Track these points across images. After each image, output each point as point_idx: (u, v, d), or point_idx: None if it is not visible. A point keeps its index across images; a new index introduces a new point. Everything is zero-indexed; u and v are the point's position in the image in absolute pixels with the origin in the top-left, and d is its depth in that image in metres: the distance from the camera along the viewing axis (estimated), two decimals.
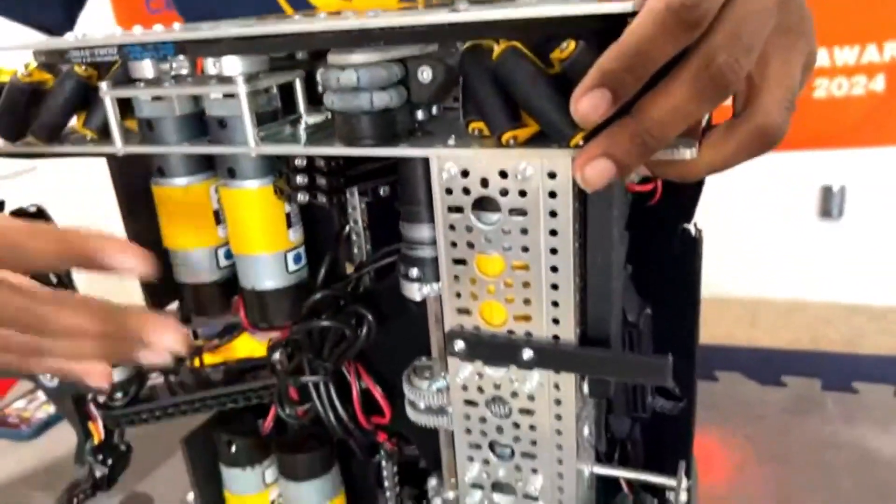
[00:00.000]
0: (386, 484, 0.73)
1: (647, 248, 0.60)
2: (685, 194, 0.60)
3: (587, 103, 0.36)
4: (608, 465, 0.59)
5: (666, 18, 0.33)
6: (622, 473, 0.58)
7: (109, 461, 0.76)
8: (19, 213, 0.68)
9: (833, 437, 0.97)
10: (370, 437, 0.67)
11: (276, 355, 0.67)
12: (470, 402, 0.54)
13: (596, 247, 0.48)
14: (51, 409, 1.24)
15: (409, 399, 0.59)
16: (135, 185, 0.59)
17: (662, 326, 0.62)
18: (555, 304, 0.48)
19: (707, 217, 1.25)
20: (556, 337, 0.49)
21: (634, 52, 0.34)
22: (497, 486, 0.56)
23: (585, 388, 0.52)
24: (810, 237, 1.22)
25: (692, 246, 0.63)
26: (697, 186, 0.59)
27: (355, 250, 0.63)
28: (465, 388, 0.53)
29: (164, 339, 0.42)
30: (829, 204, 1.16)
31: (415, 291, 0.53)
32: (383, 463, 0.72)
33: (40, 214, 0.69)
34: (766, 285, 1.27)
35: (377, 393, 0.64)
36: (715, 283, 1.39)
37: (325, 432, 0.66)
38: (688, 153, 0.41)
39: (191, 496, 0.80)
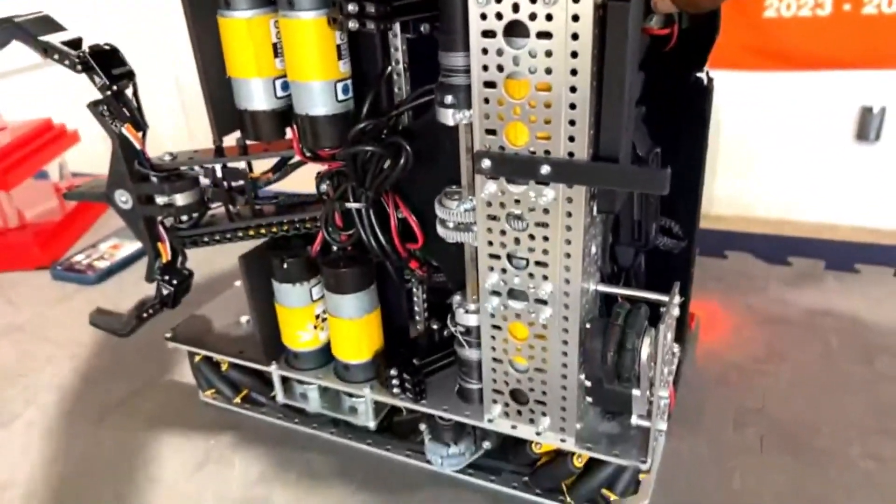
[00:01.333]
0: (416, 306, 0.83)
1: (660, 93, 0.66)
2: (698, 43, 0.65)
3: None
4: (611, 285, 0.67)
5: None
6: (622, 291, 0.66)
7: (174, 282, 0.86)
8: (96, 50, 0.76)
9: (828, 305, 1.04)
10: (404, 263, 0.76)
11: (324, 186, 0.76)
12: (492, 217, 0.62)
13: (611, 76, 0.54)
14: (111, 259, 1.37)
15: (440, 219, 0.67)
16: (204, 17, 0.66)
17: (671, 171, 0.69)
18: (571, 122, 0.55)
19: (739, 135, 1.27)
20: (571, 154, 0.56)
21: None
22: (512, 294, 0.65)
23: (595, 209, 0.60)
24: (845, 160, 1.24)
25: (703, 93, 0.69)
26: (710, 35, 0.64)
27: (396, 90, 0.70)
28: (489, 204, 0.61)
29: None
30: (868, 126, 1.17)
31: (449, 117, 0.61)
32: (415, 289, 0.82)
33: (114, 51, 0.77)
34: (795, 207, 1.30)
35: (412, 221, 0.73)
36: (744, 203, 1.43)
37: (364, 256, 0.76)
38: None
39: (244, 318, 0.92)
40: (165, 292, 0.87)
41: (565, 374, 0.66)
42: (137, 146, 0.77)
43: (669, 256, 0.76)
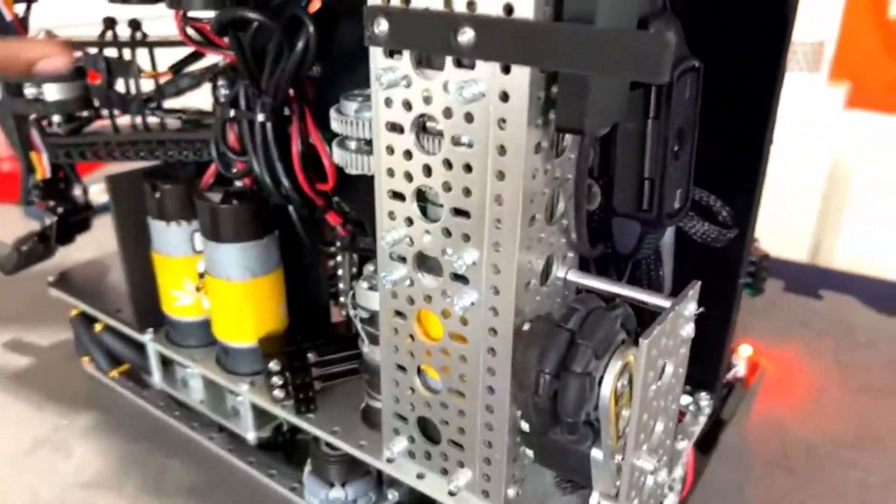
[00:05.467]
0: (341, 283, 0.59)
1: None
2: None
3: None
4: (586, 274, 0.41)
5: None
6: (599, 284, 0.40)
7: (59, 209, 0.68)
8: None
9: None
10: (315, 212, 0.53)
11: (221, 91, 0.55)
12: (395, 127, 0.38)
13: None
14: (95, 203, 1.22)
15: (336, 136, 0.44)
16: None
17: (724, 112, 0.43)
18: None
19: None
20: (509, 10, 0.31)
21: None
22: (423, 262, 0.40)
23: (552, 121, 0.34)
24: None
25: None
26: None
27: None
28: (388, 102, 0.37)
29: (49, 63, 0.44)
30: None
31: None
32: (339, 257, 0.59)
33: None
34: None
35: (322, 150, 0.49)
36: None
37: (263, 197, 0.53)
38: None
39: None
40: (48, 222, 0.69)
41: (491, 403, 0.40)
42: (7, 17, 0.59)
43: (712, 255, 0.48)
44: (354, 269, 0.59)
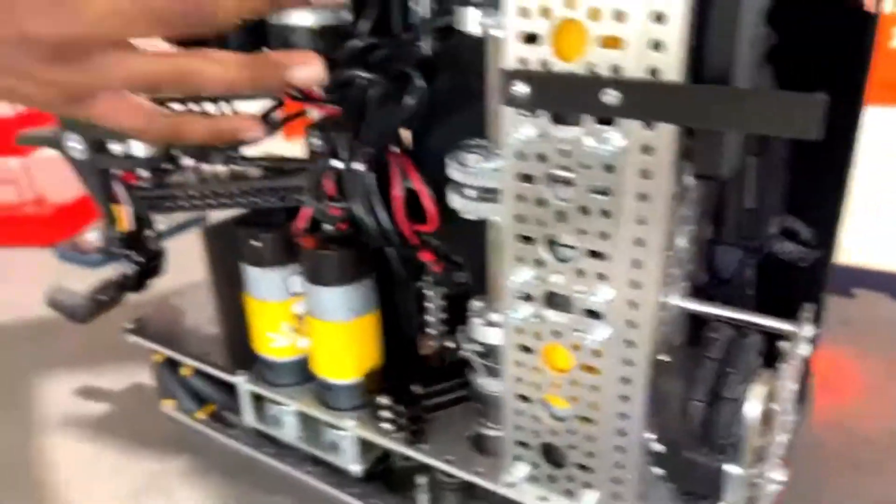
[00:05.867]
0: (430, 315, 0.62)
1: (799, 28, 0.43)
2: None
3: None
4: (704, 301, 0.44)
5: None
6: (722, 311, 0.43)
7: (138, 259, 0.69)
8: None
9: None
10: (413, 252, 0.56)
11: (316, 141, 0.57)
12: (526, 178, 0.41)
13: None
14: None
15: (453, 184, 0.47)
16: None
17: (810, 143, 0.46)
18: (657, 18, 0.33)
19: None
20: (654, 71, 0.34)
21: None
22: (551, 300, 0.43)
23: (690, 170, 0.38)
24: None
25: (862, 26, 0.46)
26: None
27: (411, 5, 0.51)
28: (521, 156, 0.40)
29: (306, 70, 0.38)
30: None
31: (473, 20, 0.40)
32: (429, 291, 0.61)
33: None
34: None
35: (424, 193, 0.52)
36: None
37: (362, 240, 0.56)
38: None
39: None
40: (128, 271, 0.70)
41: (624, 428, 0.43)
42: None
43: (789, 272, 0.52)
44: (442, 302, 0.62)
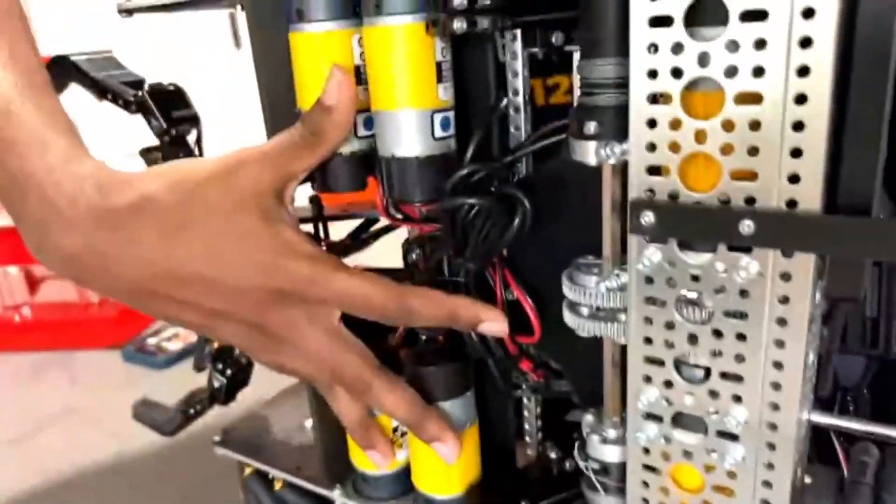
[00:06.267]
0: (526, 423, 0.61)
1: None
2: None
3: None
4: (829, 414, 0.44)
5: None
6: (855, 425, 0.43)
7: (228, 372, 0.70)
8: (156, 90, 0.64)
9: None
10: (512, 362, 0.56)
11: (413, 256, 0.59)
12: (654, 302, 0.41)
13: (865, 75, 0.34)
14: (185, 340, 1.24)
15: (569, 302, 0.47)
16: (271, 35, 0.52)
17: None
18: (796, 153, 0.34)
19: None
20: (791, 203, 0.35)
21: None
22: (679, 421, 0.43)
23: (824, 293, 0.38)
24: None
25: None
26: None
27: (512, 129, 0.53)
28: (649, 280, 0.41)
29: (495, 326, 0.51)
30: None
31: (591, 152, 0.42)
32: (526, 399, 0.61)
33: (178, 92, 0.65)
34: None
35: (527, 304, 0.53)
36: None
37: (461, 350, 0.56)
38: None
39: (309, 422, 0.73)
40: (217, 384, 0.71)
41: None
42: None
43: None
44: (539, 410, 0.61)
